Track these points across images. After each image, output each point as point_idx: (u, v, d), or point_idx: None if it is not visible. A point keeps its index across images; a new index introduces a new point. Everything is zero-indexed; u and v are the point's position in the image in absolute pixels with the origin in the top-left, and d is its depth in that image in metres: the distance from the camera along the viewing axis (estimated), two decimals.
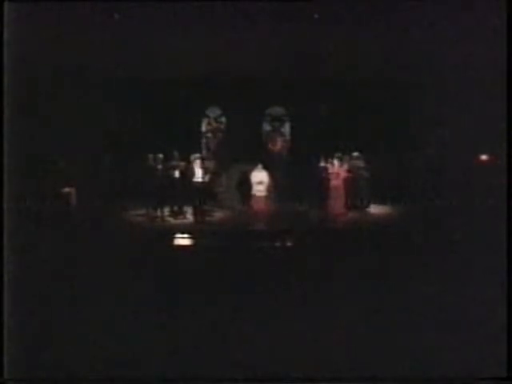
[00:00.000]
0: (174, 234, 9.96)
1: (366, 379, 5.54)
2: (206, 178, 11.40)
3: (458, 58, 8.11)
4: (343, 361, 5.57)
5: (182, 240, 9.86)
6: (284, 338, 5.87)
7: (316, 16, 8.66)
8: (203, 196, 11.24)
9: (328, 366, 5.34)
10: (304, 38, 9.66)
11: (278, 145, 12.84)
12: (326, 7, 8.07)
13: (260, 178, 11.65)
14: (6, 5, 6.16)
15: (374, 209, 11.48)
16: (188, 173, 11.27)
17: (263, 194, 11.59)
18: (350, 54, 10.00)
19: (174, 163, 11.41)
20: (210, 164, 11.84)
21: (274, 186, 11.68)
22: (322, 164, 11.64)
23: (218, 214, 11.45)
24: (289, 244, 9.43)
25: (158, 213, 11.21)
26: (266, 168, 11.70)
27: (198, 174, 11.32)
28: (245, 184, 11.67)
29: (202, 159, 11.60)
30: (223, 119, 12.82)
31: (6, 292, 5.96)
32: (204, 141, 12.78)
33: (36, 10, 6.85)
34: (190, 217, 11.26)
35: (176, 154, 11.46)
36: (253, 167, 11.71)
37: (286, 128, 12.91)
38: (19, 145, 6.48)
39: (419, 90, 9.39)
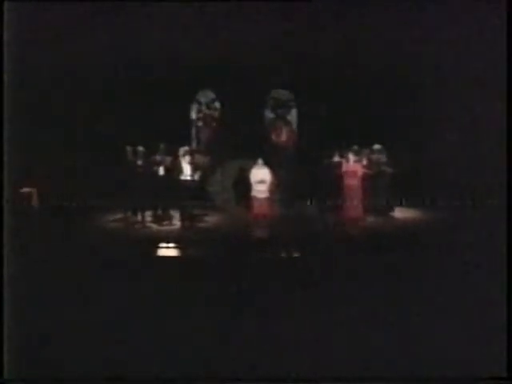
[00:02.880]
0: (158, 243, 9.78)
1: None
2: (197, 176, 11.20)
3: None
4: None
5: (167, 250, 9.68)
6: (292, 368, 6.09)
7: None
8: (193, 197, 11.11)
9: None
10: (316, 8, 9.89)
11: (283, 136, 12.86)
12: None
13: (261, 177, 11.48)
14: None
15: (399, 213, 11.49)
16: (175, 169, 11.13)
17: (265, 195, 11.45)
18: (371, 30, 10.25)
19: (158, 158, 11.29)
20: (202, 159, 11.77)
21: (278, 186, 11.65)
22: (336, 159, 11.60)
23: (211, 219, 11.41)
24: (296, 255, 9.22)
25: (138, 217, 11.18)
26: (268, 164, 11.58)
27: (187, 171, 11.13)
28: (243, 183, 11.68)
29: (192, 153, 11.44)
30: (217, 105, 12.82)
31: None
32: (194, 131, 12.79)
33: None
34: (176, 222, 11.17)
35: (160, 146, 11.29)
36: (252, 163, 11.58)
37: (293, 115, 12.87)
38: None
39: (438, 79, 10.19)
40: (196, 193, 11.21)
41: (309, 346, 6.16)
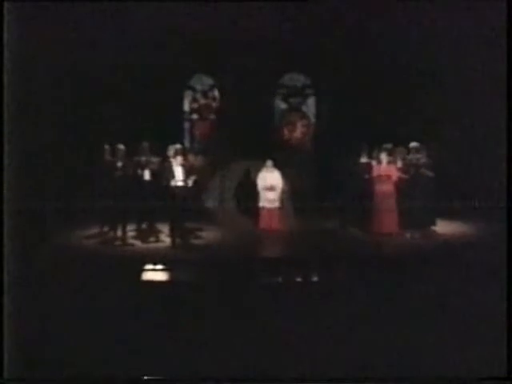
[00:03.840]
0: (142, 264, 9.67)
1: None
2: (190, 182, 10.95)
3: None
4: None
5: (154, 274, 9.56)
6: None
7: None
8: (186, 208, 10.87)
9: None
10: None
11: (298, 131, 12.80)
12: None
13: (270, 182, 11.54)
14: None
15: (442, 227, 11.45)
16: (163, 173, 10.95)
17: (275, 204, 11.52)
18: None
19: (143, 159, 11.20)
20: (196, 160, 11.85)
21: (292, 194, 11.69)
22: (364, 160, 11.56)
23: (208, 235, 11.42)
24: (314, 280, 9.22)
25: (118, 232, 11.09)
26: (279, 166, 11.62)
27: (179, 176, 10.86)
28: (248, 190, 11.76)
29: (185, 153, 11.31)
30: (215, 93, 12.79)
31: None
32: (187, 125, 12.75)
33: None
34: (165, 239, 11.10)
35: (145, 145, 11.27)
36: (260, 165, 11.63)
37: (310, 106, 12.76)
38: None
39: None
40: (190, 202, 10.94)
41: None
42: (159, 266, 9.67)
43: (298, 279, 9.22)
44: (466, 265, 8.71)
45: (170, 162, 10.93)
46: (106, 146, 11.08)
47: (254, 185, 11.68)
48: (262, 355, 6.84)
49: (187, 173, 10.95)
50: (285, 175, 11.64)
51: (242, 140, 12.05)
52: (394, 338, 7.02)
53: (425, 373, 6.57)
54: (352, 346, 6.86)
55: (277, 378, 6.79)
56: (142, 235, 11.17)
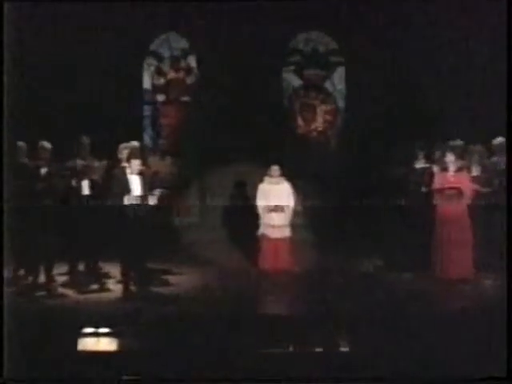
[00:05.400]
0: (79, 327, 8.89)
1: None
2: (153, 198, 10.21)
3: None
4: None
5: (97, 342, 8.88)
6: None
7: None
8: (146, 238, 10.15)
9: None
10: None
11: (319, 121, 12.43)
12: None
13: (276, 199, 10.96)
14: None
15: None
16: (111, 185, 10.24)
17: (283, 233, 10.93)
18: None
19: (80, 163, 10.66)
20: (163, 165, 11.43)
21: (308, 217, 11.75)
22: (421, 165, 10.99)
23: (180, 281, 10.85)
24: (343, 350, 8.51)
25: (41, 277, 10.45)
26: (289, 175, 11.09)
27: (135, 189, 10.10)
28: (242, 211, 11.77)
29: (144, 155, 10.86)
30: (191, 63, 12.56)
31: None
32: (148, 112, 12.48)
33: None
34: (114, 286, 10.49)
35: (84, 142, 10.73)
36: (260, 173, 11.16)
37: (337, 82, 12.40)
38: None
39: None
40: (152, 229, 10.29)
41: None
42: (104, 330, 8.88)
43: (317, 349, 8.53)
44: None
45: (121, 169, 10.28)
46: (21, 144, 10.36)
47: (250, 203, 11.24)
48: None
49: (148, 184, 10.22)
50: (298, 189, 11.03)
51: (231, 134, 11.78)
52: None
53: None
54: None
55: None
56: (77, 281, 10.52)
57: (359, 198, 11.41)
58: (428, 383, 7.85)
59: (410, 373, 7.73)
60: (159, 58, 12.82)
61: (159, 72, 12.92)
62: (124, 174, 10.08)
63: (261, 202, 10.93)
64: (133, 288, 10.10)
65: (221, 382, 7.72)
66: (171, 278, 10.78)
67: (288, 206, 10.87)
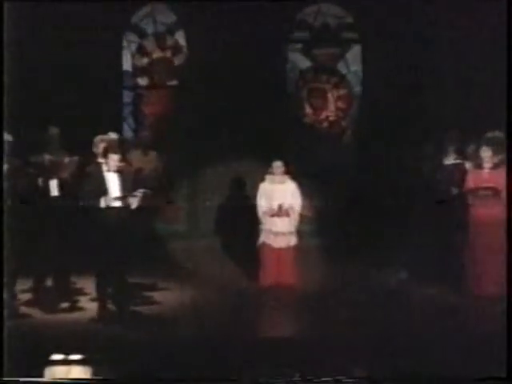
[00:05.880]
0: (48, 354, 8.46)
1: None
2: (135, 200, 9.66)
3: None
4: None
5: (67, 370, 8.45)
6: None
7: None
8: (126, 248, 9.71)
9: None
10: None
11: (330, 108, 12.50)
12: None
13: (280, 201, 10.61)
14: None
15: None
16: (85, 185, 9.75)
17: (288, 241, 10.62)
18: None
19: (48, 158, 10.30)
20: (146, 161, 11.20)
21: (318, 222, 11.54)
22: (451, 160, 10.61)
23: (166, 299, 10.46)
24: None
25: (3, 295, 9.61)
26: (295, 173, 10.79)
27: (113, 189, 9.65)
28: (240, 216, 11.58)
29: (124, 149, 10.34)
30: (179, 39, 12.57)
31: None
32: (128, 98, 12.59)
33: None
34: (88, 305, 10.04)
35: (53, 133, 10.38)
36: (261, 170, 10.85)
37: (352, 63, 12.39)
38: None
39: None
40: (134, 236, 9.90)
41: None
42: (75, 357, 8.43)
43: (327, 378, 7.87)
44: None
45: (97, 165, 9.83)
46: None
47: (250, 205, 10.86)
48: None
49: (129, 184, 9.72)
50: (306, 189, 10.62)
51: (227, 125, 11.65)
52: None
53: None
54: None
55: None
56: (44, 299, 10.03)
57: (377, 200, 11.18)
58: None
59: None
60: (142, 34, 12.59)
61: (141, 51, 12.71)
62: (100, 172, 9.69)
63: (262, 204, 10.58)
64: (110, 307, 9.70)
65: None
66: (156, 295, 10.40)
67: (293, 210, 10.51)
